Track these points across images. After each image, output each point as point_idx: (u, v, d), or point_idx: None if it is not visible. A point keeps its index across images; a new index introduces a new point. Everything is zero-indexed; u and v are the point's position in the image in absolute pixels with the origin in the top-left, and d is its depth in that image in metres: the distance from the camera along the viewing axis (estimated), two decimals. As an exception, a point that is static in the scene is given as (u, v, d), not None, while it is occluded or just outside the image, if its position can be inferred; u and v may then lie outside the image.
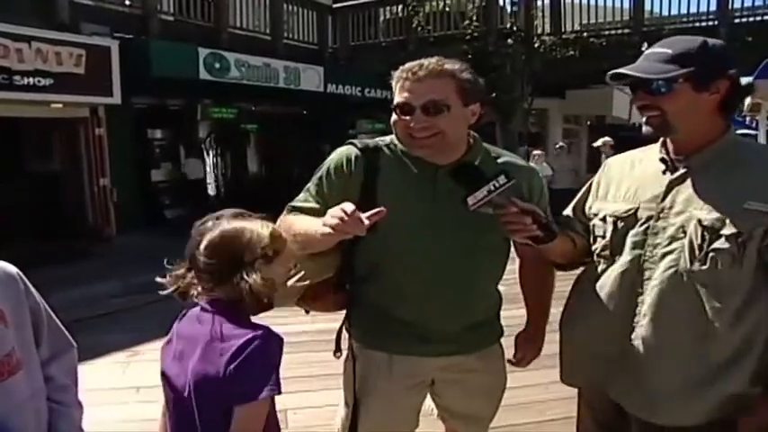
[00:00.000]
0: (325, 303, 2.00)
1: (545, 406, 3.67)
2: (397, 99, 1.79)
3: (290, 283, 1.81)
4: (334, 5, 15.68)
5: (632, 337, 1.70)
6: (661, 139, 1.75)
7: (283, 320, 1.72)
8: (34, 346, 1.41)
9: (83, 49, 9.06)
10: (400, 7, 14.95)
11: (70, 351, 1.54)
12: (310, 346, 4.27)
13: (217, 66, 10.97)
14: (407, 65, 1.79)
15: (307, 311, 2.07)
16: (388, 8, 15.66)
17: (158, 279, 1.59)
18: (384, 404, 1.96)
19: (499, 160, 1.92)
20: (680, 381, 1.65)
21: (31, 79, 8.41)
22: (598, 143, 10.66)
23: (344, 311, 2.05)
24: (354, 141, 1.96)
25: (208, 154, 14.36)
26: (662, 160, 1.73)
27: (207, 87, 11.42)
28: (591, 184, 1.95)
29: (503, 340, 2.09)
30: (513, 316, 2.13)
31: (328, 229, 1.55)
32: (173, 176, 12.95)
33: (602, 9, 14.56)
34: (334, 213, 1.56)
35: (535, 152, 11.80)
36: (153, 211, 11.80)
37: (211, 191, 14.50)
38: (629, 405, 1.76)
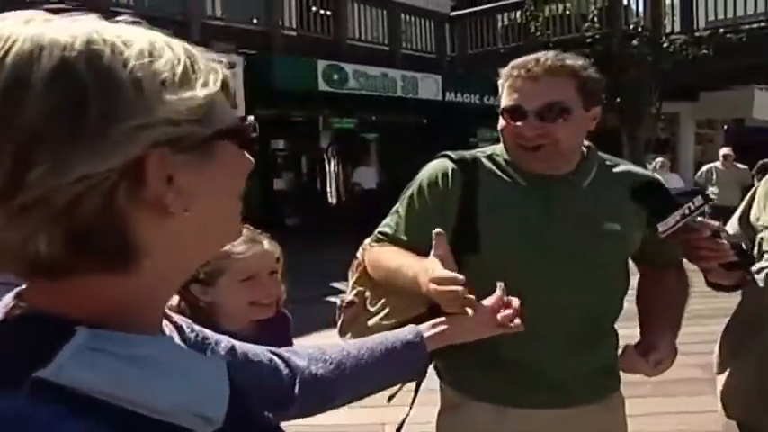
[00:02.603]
0: None
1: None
2: (506, 101, 1.55)
3: (372, 321, 1.65)
4: (452, 14, 15.64)
5: None
6: None
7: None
8: None
9: (210, 65, 9.60)
10: (518, 13, 14.66)
11: None
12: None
13: (335, 77, 11.22)
14: (520, 60, 1.55)
15: None
16: (505, 14, 15.41)
17: None
18: None
19: (615, 169, 1.69)
20: None
21: (164, 95, 9.02)
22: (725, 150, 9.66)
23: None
24: (449, 153, 1.70)
25: (329, 163, 14.74)
26: None
27: (327, 98, 11.72)
28: (752, 196, 1.77)
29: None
30: (633, 335, 1.91)
31: (429, 291, 1.30)
32: (294, 186, 13.41)
33: (739, 1, 13.51)
34: (442, 280, 1.27)
35: (658, 159, 10.70)
36: (274, 219, 12.25)
37: (332, 200, 14.88)
38: None
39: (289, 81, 10.53)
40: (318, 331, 5.49)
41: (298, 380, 0.95)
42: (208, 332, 0.85)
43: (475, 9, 15.42)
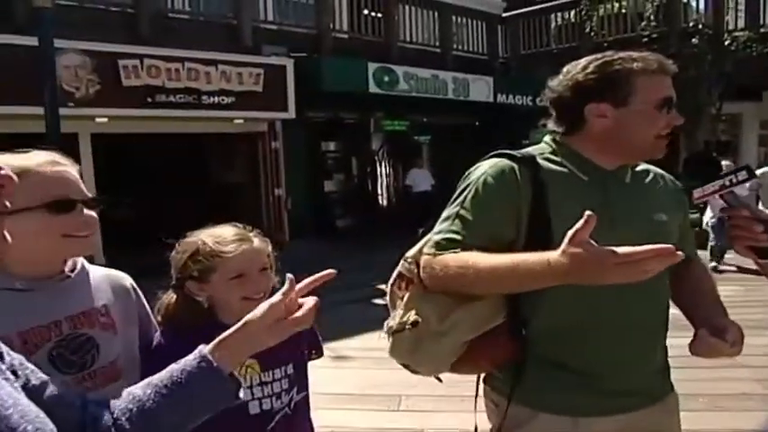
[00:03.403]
0: (490, 358, 1.64)
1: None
2: (662, 92, 1.57)
3: (447, 341, 1.56)
4: (504, 14, 15.47)
5: None
6: None
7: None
8: (138, 354, 1.47)
9: (261, 68, 9.80)
10: (572, 12, 14.38)
11: None
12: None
13: (386, 79, 11.23)
14: (653, 56, 1.60)
15: (439, 379, 1.73)
16: (559, 14, 15.14)
17: None
18: None
19: (638, 168, 1.69)
20: None
21: (216, 98, 9.26)
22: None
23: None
24: (506, 152, 1.62)
25: (380, 165, 14.74)
26: None
27: (378, 100, 11.74)
28: None
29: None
30: (678, 344, 1.73)
31: (614, 274, 1.24)
32: (345, 187, 13.46)
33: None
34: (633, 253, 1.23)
35: (725, 163, 10.21)
36: (324, 221, 12.31)
37: (383, 202, 14.87)
38: None
39: (339, 83, 10.60)
40: (364, 333, 5.52)
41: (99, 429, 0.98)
42: (29, 365, 0.93)
43: (528, 9, 15.19)
